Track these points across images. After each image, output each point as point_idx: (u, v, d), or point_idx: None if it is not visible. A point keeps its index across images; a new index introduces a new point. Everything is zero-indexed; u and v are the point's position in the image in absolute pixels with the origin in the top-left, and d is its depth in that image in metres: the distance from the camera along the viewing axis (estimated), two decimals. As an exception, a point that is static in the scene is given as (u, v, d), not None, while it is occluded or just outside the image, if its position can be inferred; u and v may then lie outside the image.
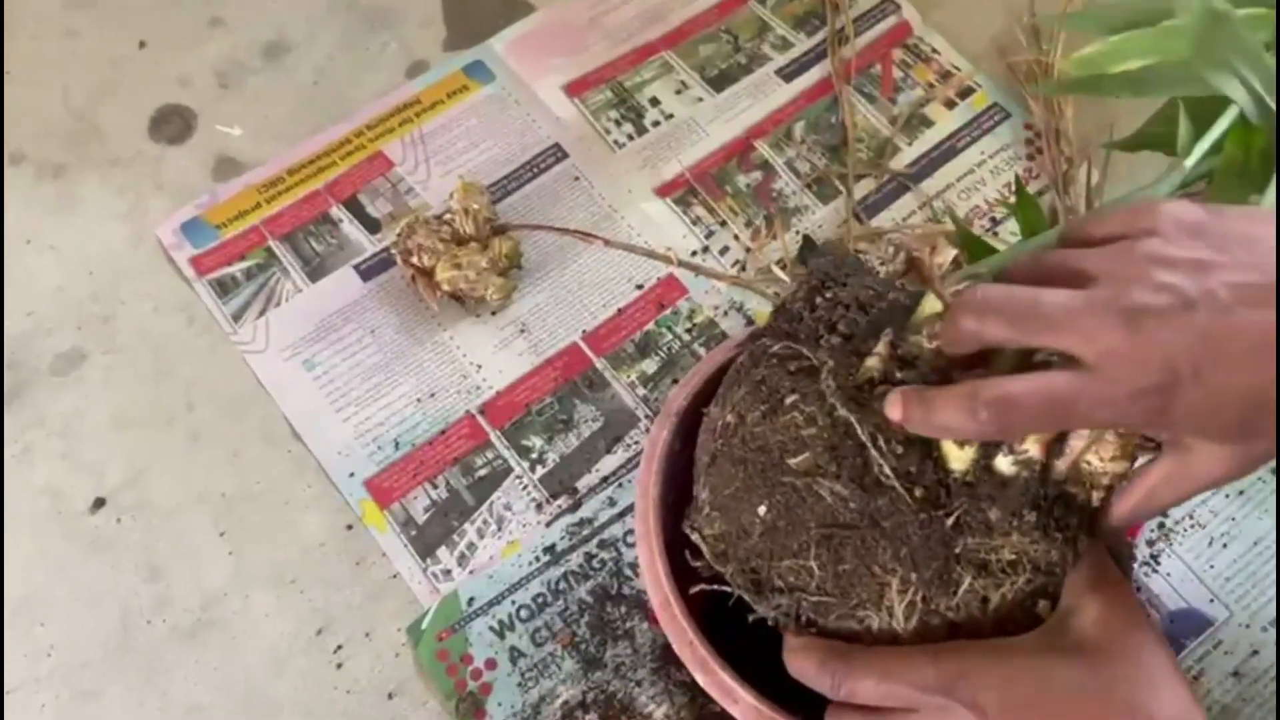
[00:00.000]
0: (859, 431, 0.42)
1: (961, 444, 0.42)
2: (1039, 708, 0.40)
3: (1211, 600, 0.69)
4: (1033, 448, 0.42)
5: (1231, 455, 0.39)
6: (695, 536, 0.48)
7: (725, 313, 0.78)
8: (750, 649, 0.49)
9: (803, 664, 0.45)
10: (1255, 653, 0.67)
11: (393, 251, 0.79)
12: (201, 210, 0.83)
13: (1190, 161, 0.48)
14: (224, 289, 0.80)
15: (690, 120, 0.86)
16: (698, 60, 0.89)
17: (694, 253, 0.81)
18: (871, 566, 0.43)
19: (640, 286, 0.79)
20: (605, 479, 0.73)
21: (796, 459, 0.43)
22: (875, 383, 0.44)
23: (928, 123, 0.86)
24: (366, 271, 0.80)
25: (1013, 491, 0.42)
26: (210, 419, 0.75)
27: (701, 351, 0.77)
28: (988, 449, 0.42)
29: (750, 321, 0.78)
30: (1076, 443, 0.42)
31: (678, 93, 0.87)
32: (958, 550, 0.42)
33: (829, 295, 0.46)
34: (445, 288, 0.76)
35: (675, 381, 0.76)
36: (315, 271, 0.80)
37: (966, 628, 0.43)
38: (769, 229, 0.81)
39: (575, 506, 0.72)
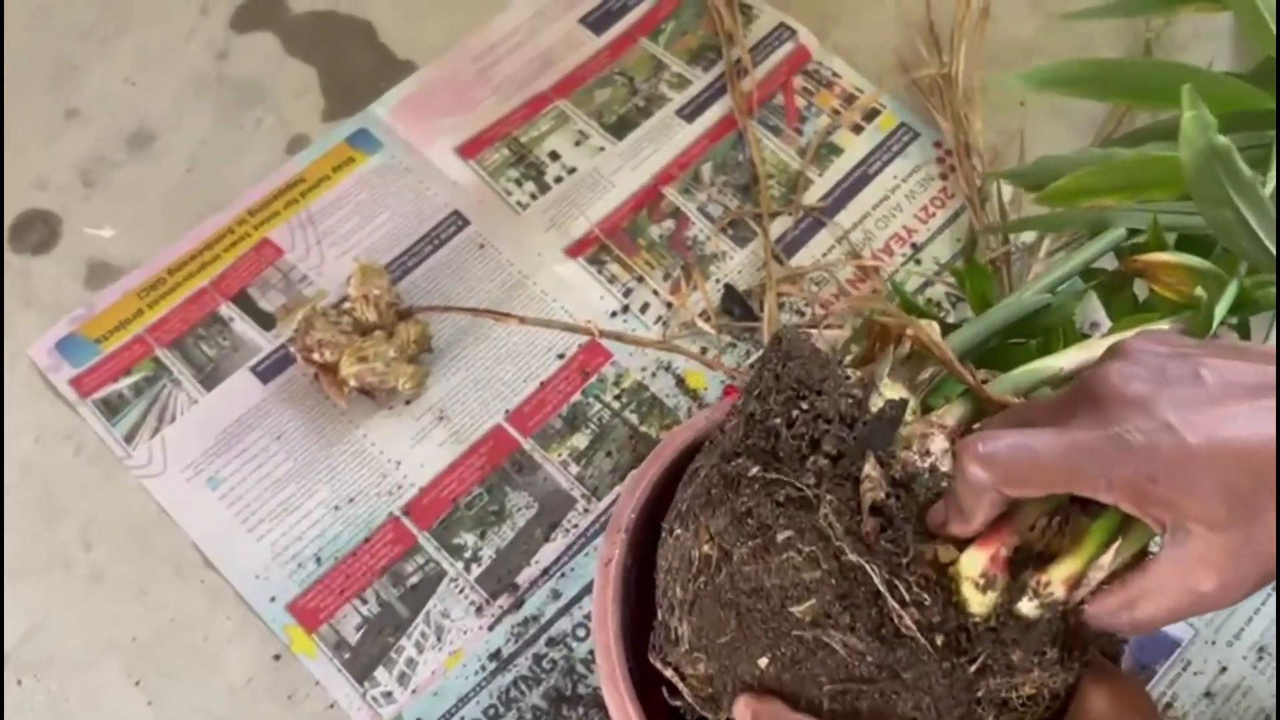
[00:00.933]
0: (874, 579, 0.39)
1: (984, 589, 0.40)
2: None
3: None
4: (1058, 589, 0.40)
5: (1225, 550, 0.36)
6: (671, 673, 0.45)
7: (654, 374, 0.75)
8: None
9: None
10: (1224, 669, 0.66)
11: (291, 349, 0.73)
12: (77, 325, 0.76)
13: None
14: (112, 409, 0.73)
15: (594, 172, 0.82)
16: (594, 107, 0.85)
17: (613, 313, 0.77)
18: (890, 719, 0.41)
19: (562, 356, 0.75)
20: (546, 570, 0.68)
21: (800, 607, 0.40)
22: (877, 513, 0.41)
23: (836, 150, 0.83)
24: (265, 373, 0.74)
25: (1037, 633, 0.40)
26: (111, 556, 0.69)
27: (633, 419, 0.73)
28: (1010, 592, 0.41)
29: (680, 381, 0.75)
30: (1096, 575, 0.41)
31: (577, 144, 0.83)
32: (980, 694, 0.40)
33: (805, 407, 0.42)
34: (352, 383, 0.71)
35: (609, 455, 0.72)
36: (209, 379, 0.74)
37: None
38: (688, 280, 0.78)
39: (518, 605, 0.67)
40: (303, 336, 0.72)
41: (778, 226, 0.80)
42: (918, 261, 0.79)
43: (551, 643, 0.66)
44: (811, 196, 0.81)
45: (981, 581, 0.40)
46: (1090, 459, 0.37)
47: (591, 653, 0.66)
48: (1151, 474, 0.36)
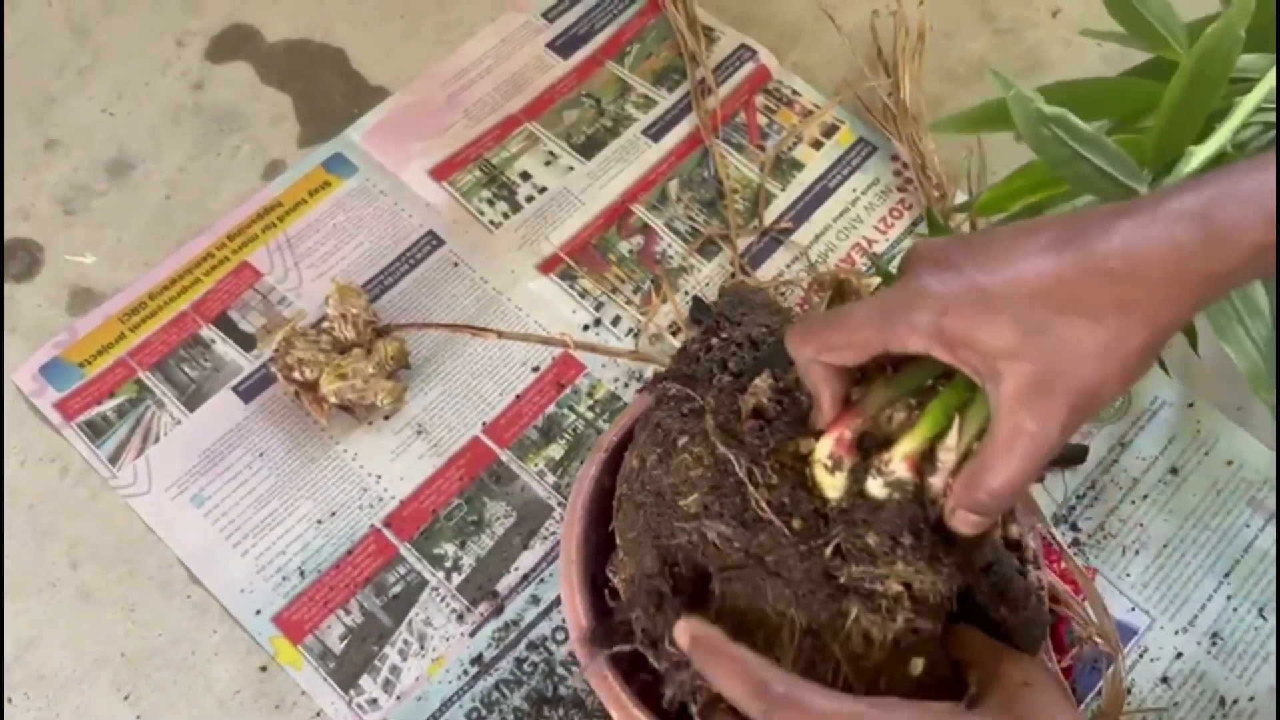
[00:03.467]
0: (736, 467, 0.42)
1: (833, 470, 0.42)
2: None
3: (1133, 609, 0.70)
4: (899, 467, 0.42)
5: (1032, 378, 0.39)
6: (616, 580, 0.48)
7: (626, 384, 0.77)
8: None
9: (733, 674, 0.42)
10: (1179, 655, 0.69)
11: (272, 368, 0.75)
12: (61, 349, 0.78)
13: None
14: (96, 431, 0.75)
15: (564, 191, 0.85)
16: (562, 128, 0.88)
17: (585, 327, 0.79)
18: (762, 607, 0.42)
19: (536, 369, 0.78)
20: (526, 576, 0.70)
21: (686, 500, 0.43)
22: (759, 416, 0.44)
23: (798, 166, 0.86)
24: (247, 392, 0.76)
25: (887, 514, 0.41)
26: (99, 575, 0.71)
27: (607, 428, 0.75)
28: (859, 474, 0.42)
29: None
30: (947, 456, 0.42)
31: (547, 164, 0.86)
32: (842, 580, 0.41)
33: (724, 335, 0.46)
34: (332, 400, 0.73)
35: (583, 464, 0.74)
36: (192, 399, 0.76)
37: (851, 679, 0.43)
38: (658, 293, 0.80)
39: (498, 611, 0.69)
40: (283, 356, 0.74)
41: (744, 240, 0.83)
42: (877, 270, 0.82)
43: (532, 646, 0.68)
44: (775, 210, 0.84)
45: (830, 463, 0.42)
46: (895, 309, 0.40)
47: (571, 654, 0.68)
48: (945, 309, 0.39)
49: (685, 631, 0.43)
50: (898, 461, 0.42)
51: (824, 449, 0.43)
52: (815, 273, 0.80)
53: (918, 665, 0.43)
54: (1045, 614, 0.49)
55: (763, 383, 0.45)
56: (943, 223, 0.81)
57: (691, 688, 0.45)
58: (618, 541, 0.48)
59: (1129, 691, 0.67)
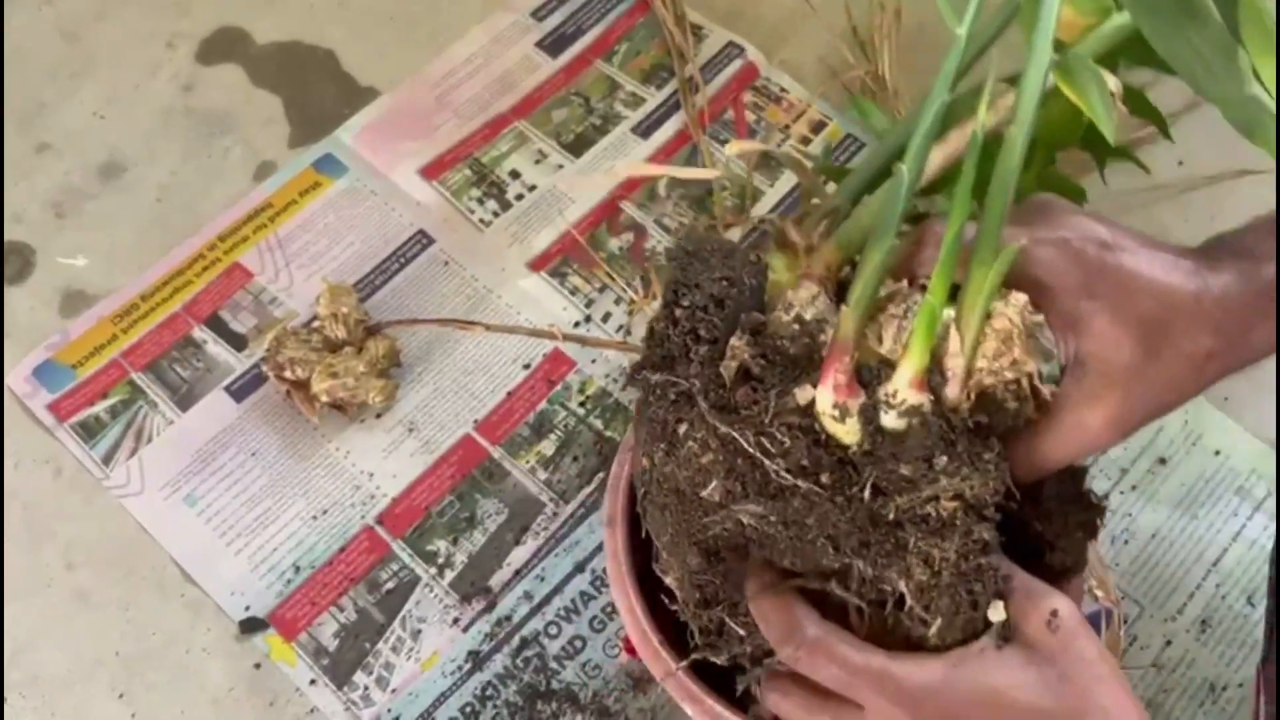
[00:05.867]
0: (744, 444, 0.40)
1: (841, 418, 0.40)
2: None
3: (1122, 598, 0.70)
4: (907, 394, 0.40)
5: (1118, 386, 0.40)
6: (668, 580, 0.47)
7: (616, 380, 0.78)
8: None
9: (772, 613, 0.42)
10: (1169, 643, 0.69)
11: (263, 368, 0.76)
12: (53, 351, 0.78)
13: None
14: (89, 432, 0.75)
15: (553, 189, 0.85)
16: (552, 127, 0.88)
17: (576, 324, 0.80)
18: (813, 571, 0.41)
19: (527, 366, 0.78)
20: (518, 572, 0.71)
21: (706, 491, 0.42)
22: (747, 378, 0.42)
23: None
24: (239, 392, 0.77)
25: (913, 442, 0.40)
26: (93, 576, 0.71)
27: (598, 425, 0.76)
28: (869, 412, 0.40)
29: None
30: (954, 363, 0.40)
31: (537, 162, 0.86)
32: (891, 516, 0.40)
33: (686, 304, 0.44)
34: (324, 398, 0.73)
35: (575, 460, 0.75)
36: (184, 400, 0.76)
37: (916, 636, 0.41)
38: (647, 290, 0.81)
39: (491, 606, 0.70)
40: (274, 355, 0.74)
41: (733, 235, 0.83)
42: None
43: (525, 642, 0.69)
44: (763, 206, 0.84)
45: (835, 414, 0.40)
46: (1040, 256, 0.40)
47: (564, 648, 0.68)
48: (1093, 290, 0.40)
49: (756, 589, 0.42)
50: (904, 389, 0.40)
51: (824, 402, 0.40)
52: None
53: (984, 604, 0.41)
54: (1093, 518, 0.47)
55: (739, 341, 0.42)
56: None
57: (758, 678, 0.45)
58: (656, 543, 0.47)
59: (1129, 646, 0.68)
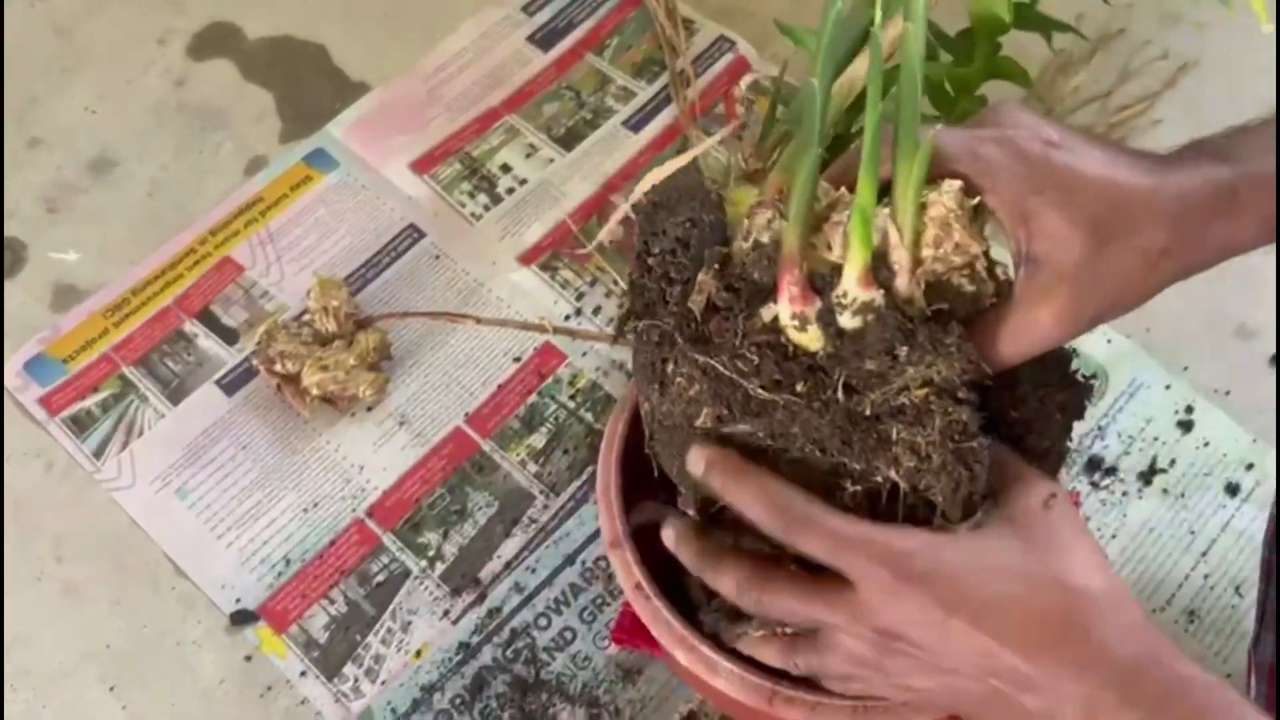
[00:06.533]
0: (722, 370, 0.43)
1: (803, 327, 0.42)
2: (974, 584, 0.40)
3: (1112, 589, 0.70)
4: (857, 292, 0.41)
5: (1069, 280, 0.40)
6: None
7: (606, 373, 0.78)
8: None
9: (759, 492, 0.43)
10: (1159, 633, 0.69)
11: (254, 362, 0.76)
12: (45, 345, 0.78)
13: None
14: (80, 426, 0.75)
15: (545, 183, 0.85)
16: (543, 120, 0.88)
17: (567, 317, 0.80)
18: (816, 476, 0.42)
19: (518, 359, 0.78)
20: (508, 564, 0.71)
21: (699, 420, 0.44)
22: (716, 310, 0.44)
23: (777, 155, 0.86)
24: (230, 385, 0.77)
25: (871, 337, 0.42)
26: (84, 569, 0.71)
27: (589, 418, 0.76)
28: (827, 317, 0.42)
29: (632, 378, 0.77)
30: (899, 257, 0.42)
31: (528, 156, 0.87)
32: (868, 411, 0.41)
33: (655, 251, 0.46)
34: (315, 392, 0.74)
35: (566, 453, 0.75)
36: (175, 393, 0.77)
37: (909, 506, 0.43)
38: (637, 283, 0.81)
39: (481, 598, 0.70)
40: (265, 349, 0.74)
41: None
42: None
43: (515, 634, 0.69)
44: (754, 199, 0.84)
45: (796, 324, 0.42)
46: (985, 153, 0.41)
47: (554, 640, 0.68)
48: (1038, 184, 0.40)
49: (700, 458, 0.43)
50: (852, 287, 0.41)
51: (785, 314, 0.42)
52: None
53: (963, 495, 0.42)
54: (1076, 398, 0.48)
55: (705, 276, 0.44)
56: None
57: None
58: (672, 478, 0.48)
59: None
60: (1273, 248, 0.43)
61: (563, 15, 0.93)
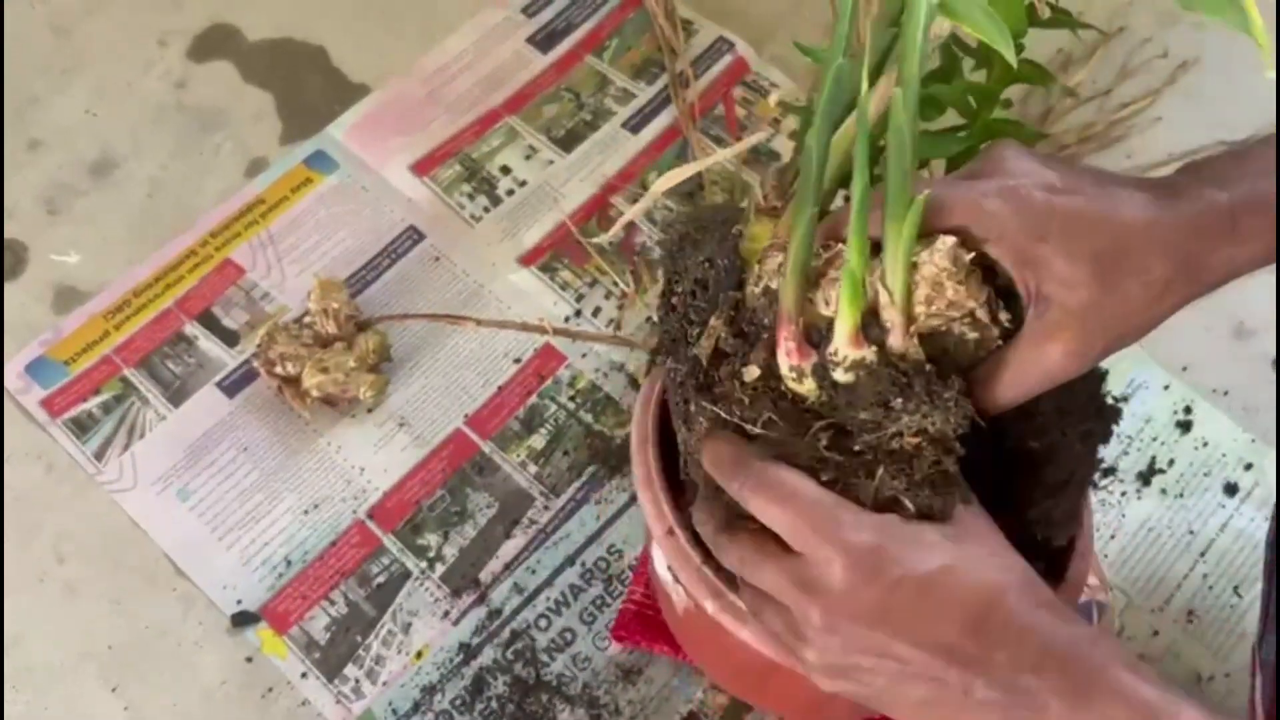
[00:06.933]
0: (725, 416, 0.44)
1: (800, 379, 0.43)
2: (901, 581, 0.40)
3: (1110, 589, 0.71)
4: (848, 351, 0.42)
5: (1077, 318, 0.41)
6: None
7: (606, 375, 0.78)
8: None
9: (719, 455, 0.44)
10: (1156, 633, 0.69)
11: (255, 363, 0.76)
12: (46, 347, 0.78)
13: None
14: (81, 428, 0.76)
15: (544, 184, 0.85)
16: (542, 122, 0.88)
17: (566, 318, 0.80)
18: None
19: (518, 360, 0.78)
20: (508, 565, 0.71)
21: None
22: (724, 357, 0.45)
23: (775, 156, 0.87)
24: (230, 387, 0.77)
25: (863, 391, 0.43)
26: (85, 569, 0.71)
27: (588, 419, 0.76)
28: (822, 372, 0.43)
29: (632, 380, 0.78)
30: (891, 317, 0.42)
31: (527, 158, 0.87)
32: (857, 449, 0.43)
33: (679, 290, 0.47)
34: (315, 393, 0.74)
35: (565, 454, 0.75)
36: (176, 395, 0.77)
37: None
38: (637, 284, 0.81)
39: (481, 600, 0.70)
40: (265, 351, 0.74)
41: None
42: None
43: (515, 635, 0.69)
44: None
45: (794, 375, 0.43)
46: (989, 207, 0.41)
47: (554, 641, 0.69)
48: (1042, 232, 0.41)
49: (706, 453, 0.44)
50: (843, 346, 0.42)
51: (783, 366, 0.44)
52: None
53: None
54: (1101, 425, 0.48)
55: (717, 321, 0.45)
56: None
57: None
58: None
59: (1120, 632, 0.68)
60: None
61: (562, 17, 0.93)
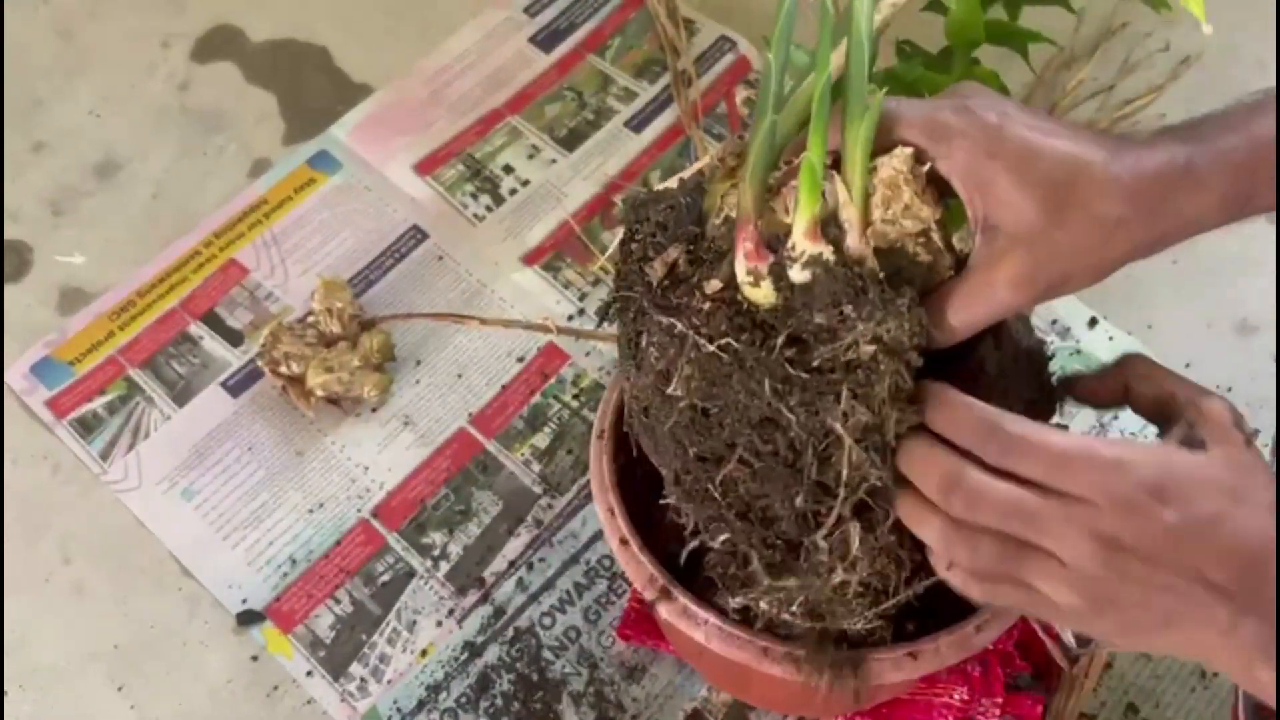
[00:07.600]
0: (680, 327, 0.44)
1: (757, 282, 0.43)
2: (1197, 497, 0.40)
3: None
4: (805, 245, 0.42)
5: (1024, 249, 0.41)
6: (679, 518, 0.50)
7: (609, 373, 0.78)
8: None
9: (963, 420, 0.42)
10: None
11: (259, 363, 0.76)
12: (51, 348, 0.79)
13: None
14: (87, 428, 0.76)
15: (547, 184, 0.86)
16: (545, 122, 0.88)
17: (570, 317, 0.80)
18: (761, 435, 0.43)
19: (521, 359, 0.78)
20: (512, 563, 0.71)
21: (671, 388, 0.45)
22: (678, 277, 0.45)
23: (779, 154, 0.87)
24: (235, 387, 0.77)
25: (819, 290, 0.42)
26: (91, 569, 0.71)
27: (592, 417, 0.76)
28: (779, 272, 0.43)
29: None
30: (848, 215, 0.43)
31: (530, 157, 0.87)
32: (815, 362, 0.42)
33: (638, 237, 0.47)
34: (319, 393, 0.74)
35: (569, 452, 0.75)
36: (181, 395, 0.77)
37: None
38: (640, 282, 0.81)
39: (485, 598, 0.70)
40: (270, 351, 0.75)
41: (725, 228, 0.83)
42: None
43: (519, 633, 0.69)
44: (756, 198, 0.85)
45: (751, 279, 0.43)
46: (942, 119, 0.42)
47: (558, 639, 0.69)
48: (993, 150, 0.41)
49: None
50: (800, 240, 0.42)
51: (740, 270, 0.43)
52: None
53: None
54: (1043, 399, 0.49)
55: (674, 249, 0.46)
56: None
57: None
58: (650, 456, 0.49)
59: (1110, 666, 0.68)
60: (1273, 246, 0.43)
61: (564, 16, 0.93)
